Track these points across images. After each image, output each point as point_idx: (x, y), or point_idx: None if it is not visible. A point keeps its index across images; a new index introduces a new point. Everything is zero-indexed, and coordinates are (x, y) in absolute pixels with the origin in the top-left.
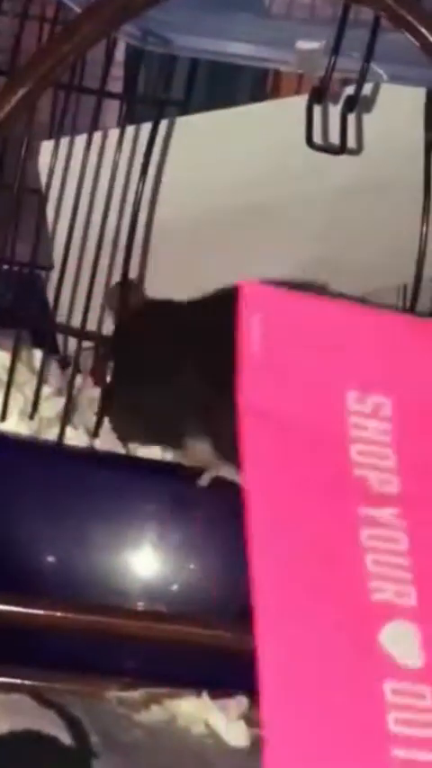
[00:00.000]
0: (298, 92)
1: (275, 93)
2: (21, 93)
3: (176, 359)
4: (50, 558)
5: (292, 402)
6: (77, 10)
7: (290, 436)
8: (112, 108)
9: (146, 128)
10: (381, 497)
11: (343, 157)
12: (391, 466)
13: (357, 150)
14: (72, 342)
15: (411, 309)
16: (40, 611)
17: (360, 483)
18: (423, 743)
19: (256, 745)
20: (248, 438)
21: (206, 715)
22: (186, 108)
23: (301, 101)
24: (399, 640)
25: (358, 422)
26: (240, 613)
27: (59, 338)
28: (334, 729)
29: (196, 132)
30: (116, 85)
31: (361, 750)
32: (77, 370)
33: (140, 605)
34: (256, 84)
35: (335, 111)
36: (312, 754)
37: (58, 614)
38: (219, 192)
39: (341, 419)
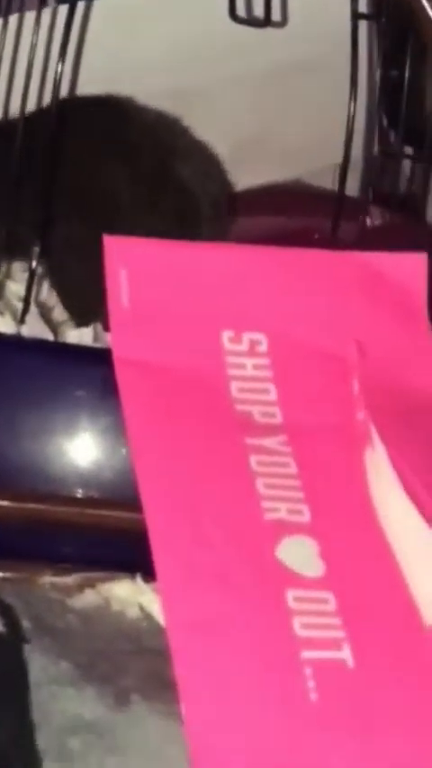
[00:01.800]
0: None
1: None
2: None
3: None
4: None
5: (167, 348)
6: None
7: (168, 382)
8: None
9: (63, 8)
10: (265, 428)
11: (268, 32)
12: (272, 399)
13: (282, 24)
14: None
15: (340, 190)
16: None
17: (243, 417)
18: (330, 643)
19: None
20: (126, 388)
21: (140, 598)
22: None
23: None
24: (296, 553)
25: (235, 361)
26: None
27: None
28: (241, 641)
29: (116, 12)
30: None
31: (271, 656)
32: (2, 257)
33: (73, 492)
34: None
35: None
36: (224, 667)
37: None
38: (143, 74)
39: (218, 359)
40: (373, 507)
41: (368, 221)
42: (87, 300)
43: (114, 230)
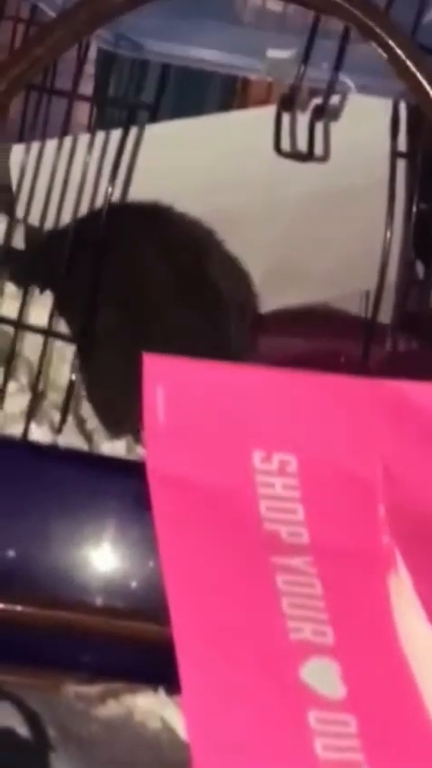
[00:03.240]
0: (267, 99)
1: (245, 99)
2: None
3: None
4: (11, 553)
5: (200, 466)
6: (51, 13)
7: (199, 498)
8: (83, 107)
9: (116, 133)
10: (292, 548)
11: (309, 165)
12: (300, 519)
13: (324, 158)
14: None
15: (373, 317)
16: (1, 605)
17: (271, 536)
18: (352, 765)
19: None
20: (159, 503)
21: (162, 710)
22: (156, 112)
23: (268, 111)
24: (319, 675)
25: (265, 480)
26: None
27: None
28: (265, 760)
29: (166, 139)
30: (88, 81)
31: None
32: (42, 366)
33: (99, 601)
34: (225, 90)
35: (303, 119)
36: None
37: (19, 608)
38: (186, 197)
39: (249, 478)
40: (396, 632)
41: (394, 347)
42: (122, 413)
43: (149, 323)
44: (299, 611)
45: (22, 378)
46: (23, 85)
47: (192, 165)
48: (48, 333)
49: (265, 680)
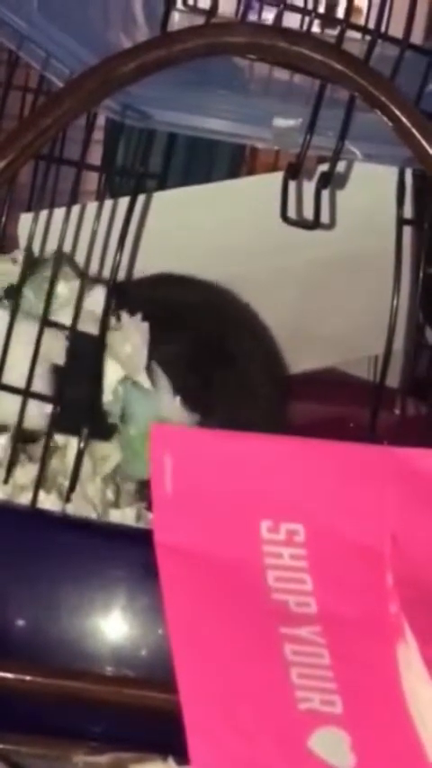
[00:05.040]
0: (274, 166)
1: (252, 166)
2: (1, 164)
3: None
4: (20, 622)
5: (207, 535)
6: (59, 84)
7: (207, 568)
8: (91, 173)
9: (124, 200)
10: (300, 617)
11: (316, 232)
12: (308, 589)
13: (330, 225)
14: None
15: (381, 382)
16: (10, 675)
17: (279, 606)
18: None
19: None
20: (166, 573)
21: None
22: (164, 180)
23: (274, 178)
24: (328, 745)
25: (273, 550)
26: None
27: None
28: None
29: (174, 206)
30: (97, 149)
31: None
32: (51, 436)
33: (109, 670)
34: (233, 158)
35: (309, 186)
36: None
37: (28, 678)
38: (194, 264)
39: (256, 548)
40: (404, 701)
41: (403, 412)
42: None
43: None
44: (307, 681)
45: (30, 446)
46: (32, 156)
47: (200, 231)
48: (55, 402)
49: (273, 750)
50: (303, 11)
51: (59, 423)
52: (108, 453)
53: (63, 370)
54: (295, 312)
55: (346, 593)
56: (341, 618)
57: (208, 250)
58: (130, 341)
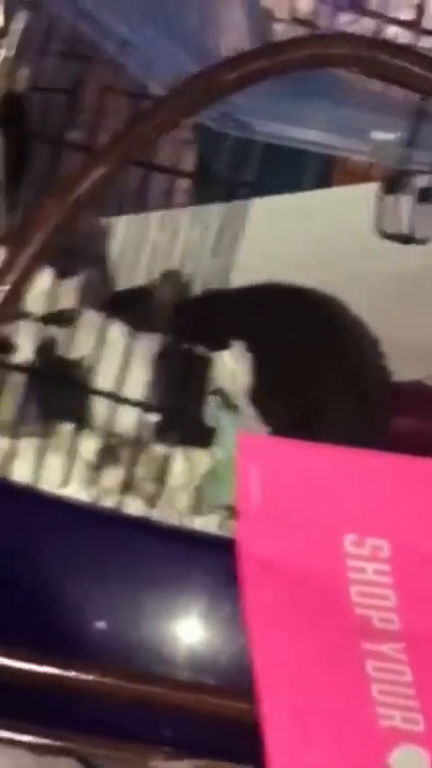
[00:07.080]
0: (365, 176)
1: (342, 175)
2: (100, 172)
3: None
4: (102, 624)
5: (291, 548)
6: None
7: (289, 580)
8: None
9: (217, 207)
10: (383, 634)
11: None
12: (392, 605)
13: (424, 240)
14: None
15: None
16: (90, 677)
17: (362, 621)
18: None
19: None
20: (248, 582)
21: None
22: (254, 188)
23: (364, 189)
24: (408, 763)
25: (357, 565)
26: None
27: None
28: None
29: (265, 214)
30: (187, 152)
31: None
32: (140, 442)
33: (188, 676)
34: (323, 166)
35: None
36: None
37: (107, 680)
38: (286, 272)
39: (340, 563)
40: None
41: None
42: None
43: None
44: (389, 698)
45: (119, 451)
46: (129, 163)
47: (293, 240)
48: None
49: (352, 766)
50: (405, 23)
51: (162, 432)
52: (199, 462)
53: (173, 384)
54: (381, 322)
55: (430, 610)
56: (424, 636)
57: (299, 257)
58: (238, 363)
